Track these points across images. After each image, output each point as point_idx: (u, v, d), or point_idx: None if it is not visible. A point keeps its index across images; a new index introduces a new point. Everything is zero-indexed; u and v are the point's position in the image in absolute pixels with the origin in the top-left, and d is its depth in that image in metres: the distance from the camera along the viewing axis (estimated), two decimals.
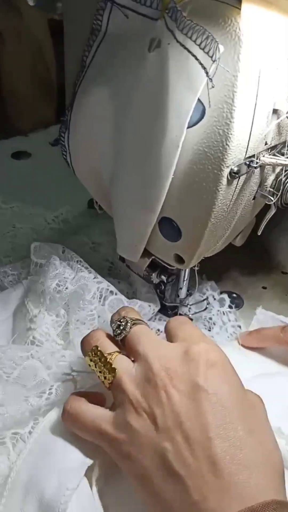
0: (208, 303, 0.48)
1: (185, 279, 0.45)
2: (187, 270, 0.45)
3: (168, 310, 0.48)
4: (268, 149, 0.35)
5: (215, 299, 0.50)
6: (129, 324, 0.33)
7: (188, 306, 0.47)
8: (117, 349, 0.33)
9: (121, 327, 0.33)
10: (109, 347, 0.33)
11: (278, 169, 0.37)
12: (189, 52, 0.29)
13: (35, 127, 0.93)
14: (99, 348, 0.32)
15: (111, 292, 0.43)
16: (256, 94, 0.31)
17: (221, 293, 0.51)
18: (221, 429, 0.27)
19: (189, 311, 0.47)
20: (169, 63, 0.31)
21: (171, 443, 0.28)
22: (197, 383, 0.29)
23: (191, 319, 0.48)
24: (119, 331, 0.33)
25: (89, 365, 0.32)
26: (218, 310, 0.48)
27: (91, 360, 0.32)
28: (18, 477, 0.30)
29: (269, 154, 0.35)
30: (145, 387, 0.30)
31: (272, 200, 0.38)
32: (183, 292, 0.46)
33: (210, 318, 0.49)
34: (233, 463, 0.26)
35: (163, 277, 0.45)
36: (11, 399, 0.34)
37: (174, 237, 0.39)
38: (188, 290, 0.47)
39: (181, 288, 0.46)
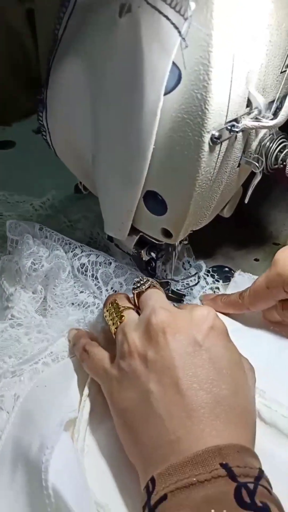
0: (199, 278, 0.47)
1: (175, 254, 0.45)
2: (176, 245, 0.44)
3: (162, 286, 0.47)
4: (250, 112, 0.34)
5: (207, 274, 0.50)
6: (149, 283, 0.37)
7: (180, 281, 0.47)
8: (131, 307, 0.36)
9: (141, 282, 0.37)
10: (126, 303, 0.37)
11: (261, 133, 0.37)
12: (160, 13, 0.28)
13: (18, 117, 0.92)
14: (117, 301, 0.37)
15: (100, 263, 0.44)
16: (233, 53, 0.30)
17: (213, 267, 0.50)
18: (207, 383, 0.29)
19: (181, 286, 0.47)
20: (140, 27, 0.30)
21: (157, 386, 0.30)
22: (195, 338, 0.31)
23: (184, 295, 0.47)
24: (138, 285, 0.37)
25: (105, 316, 0.37)
26: (209, 283, 0.48)
27: (107, 311, 0.37)
28: (5, 448, 0.31)
29: (251, 118, 0.34)
30: (145, 330, 0.32)
31: (257, 167, 0.37)
32: (173, 268, 0.46)
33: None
34: (211, 414, 0.28)
35: (152, 253, 0.45)
36: None
37: (160, 211, 0.38)
38: (178, 266, 0.47)
39: (171, 264, 0.46)
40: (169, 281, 0.47)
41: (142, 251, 0.44)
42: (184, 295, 0.47)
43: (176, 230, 0.39)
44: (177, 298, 0.47)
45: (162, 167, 0.35)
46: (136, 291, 0.37)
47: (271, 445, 0.32)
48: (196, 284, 0.47)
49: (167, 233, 0.40)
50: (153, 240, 0.42)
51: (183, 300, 0.47)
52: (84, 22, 0.34)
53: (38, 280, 0.43)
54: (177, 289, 0.47)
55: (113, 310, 0.36)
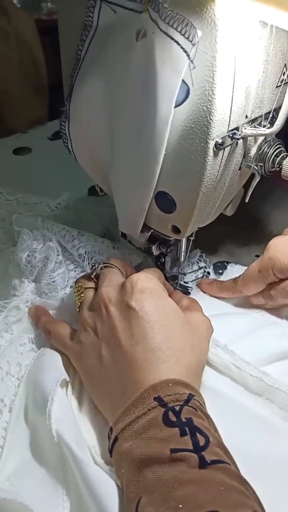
0: (204, 271, 0.52)
1: (183, 250, 0.49)
2: (184, 241, 0.49)
3: (169, 280, 0.52)
4: (249, 121, 0.39)
5: (210, 267, 0.54)
6: (100, 266, 0.43)
7: (187, 274, 0.51)
8: (92, 286, 0.43)
9: (93, 268, 0.44)
10: (88, 284, 0.43)
11: (260, 140, 0.41)
12: (171, 38, 0.33)
13: (28, 126, 0.96)
14: (79, 284, 0.44)
15: (95, 252, 0.51)
16: (234, 71, 0.35)
17: (217, 263, 0.55)
18: (141, 338, 0.36)
19: (188, 279, 0.51)
20: (154, 50, 0.34)
21: (106, 350, 0.37)
22: (128, 303, 0.37)
23: (191, 288, 0.52)
24: (91, 271, 0.44)
25: (74, 295, 0.44)
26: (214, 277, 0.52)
27: (75, 292, 0.44)
28: (19, 406, 0.39)
29: (250, 127, 0.39)
30: (93, 309, 0.39)
31: (256, 170, 0.42)
32: (181, 263, 0.50)
33: None
34: (147, 362, 0.34)
35: (162, 248, 0.49)
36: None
37: (170, 209, 0.43)
38: (185, 261, 0.51)
39: (179, 259, 0.50)
40: (177, 274, 0.52)
41: (153, 247, 0.49)
42: (191, 288, 0.52)
43: (184, 226, 0.43)
44: (183, 291, 0.52)
45: (172, 170, 0.39)
46: (93, 275, 0.43)
47: (240, 398, 0.38)
48: (202, 277, 0.51)
49: (176, 229, 0.44)
50: (163, 236, 0.47)
51: (189, 293, 0.52)
52: (105, 44, 0.39)
53: (34, 271, 0.50)
54: (184, 282, 0.51)
55: (76, 291, 0.43)
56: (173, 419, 0.30)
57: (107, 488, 0.31)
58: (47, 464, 0.35)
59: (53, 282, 0.48)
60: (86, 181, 0.69)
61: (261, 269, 0.45)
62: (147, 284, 0.38)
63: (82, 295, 0.42)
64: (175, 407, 0.31)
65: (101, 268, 0.43)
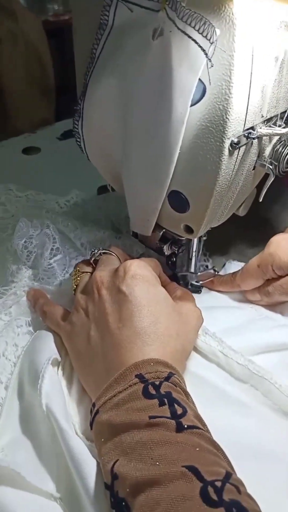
0: (216, 271, 0.52)
1: (194, 250, 0.49)
2: (195, 241, 0.49)
3: (179, 280, 0.52)
4: (264, 121, 0.39)
5: (210, 260, 0.55)
6: (99, 251, 0.45)
7: (198, 274, 0.51)
8: (90, 271, 0.44)
9: (93, 252, 0.45)
10: (86, 268, 0.44)
11: (274, 140, 0.41)
12: (189, 37, 0.33)
13: (34, 127, 0.96)
14: (78, 268, 0.45)
15: (97, 241, 0.53)
16: (251, 71, 0.34)
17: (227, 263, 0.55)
18: (128, 321, 0.37)
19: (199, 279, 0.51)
20: (171, 48, 0.34)
21: (95, 331, 0.38)
22: (119, 288, 0.38)
23: (202, 286, 0.52)
24: (91, 255, 0.45)
25: (72, 278, 0.45)
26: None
27: (72, 276, 0.45)
28: (13, 384, 0.41)
29: (266, 126, 0.39)
30: (86, 292, 0.41)
31: (270, 169, 0.41)
32: (193, 262, 0.50)
33: None
34: (132, 344, 0.35)
35: (174, 248, 0.49)
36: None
37: (183, 208, 0.42)
38: (197, 261, 0.51)
39: (191, 259, 0.50)
40: (188, 274, 0.51)
41: (164, 246, 0.49)
42: (202, 287, 0.52)
43: (197, 226, 0.43)
44: (194, 290, 0.51)
45: (187, 169, 0.39)
46: (92, 260, 0.45)
47: (225, 384, 0.39)
48: (214, 276, 0.51)
49: (188, 229, 0.44)
50: (175, 236, 0.47)
51: (200, 291, 0.52)
52: (120, 43, 0.39)
53: (31, 257, 0.50)
54: (195, 281, 0.51)
55: (74, 274, 0.45)
56: (153, 392, 0.32)
57: (87, 460, 0.33)
58: (40, 437, 0.36)
59: (51, 268, 0.49)
60: (95, 181, 0.69)
61: (261, 265, 0.45)
62: (140, 270, 0.39)
63: (79, 278, 0.43)
64: (155, 382, 0.32)
65: (100, 254, 0.44)
